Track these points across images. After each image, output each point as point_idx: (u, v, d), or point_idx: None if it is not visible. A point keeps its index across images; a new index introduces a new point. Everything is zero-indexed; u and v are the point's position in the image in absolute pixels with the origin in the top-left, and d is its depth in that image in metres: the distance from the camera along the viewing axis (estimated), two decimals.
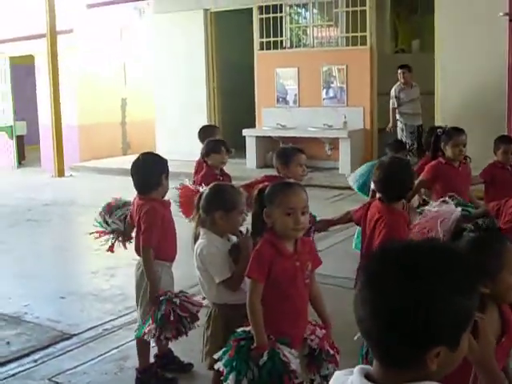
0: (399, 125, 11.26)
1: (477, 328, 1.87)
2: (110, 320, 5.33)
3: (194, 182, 5.56)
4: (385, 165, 4.15)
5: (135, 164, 4.26)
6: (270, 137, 12.82)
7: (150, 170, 4.18)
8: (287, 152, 5.05)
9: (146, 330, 3.95)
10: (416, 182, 5.55)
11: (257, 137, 12.32)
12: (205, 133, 6.76)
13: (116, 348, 4.80)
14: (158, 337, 3.95)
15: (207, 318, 3.54)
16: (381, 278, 1.44)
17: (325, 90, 12.74)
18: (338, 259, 6.41)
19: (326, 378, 3.27)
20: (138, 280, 4.14)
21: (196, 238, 3.51)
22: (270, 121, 13.21)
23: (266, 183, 3.32)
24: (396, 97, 11.19)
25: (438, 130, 5.76)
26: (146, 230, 4.01)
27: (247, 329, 3.18)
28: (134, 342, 4.37)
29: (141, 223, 4.04)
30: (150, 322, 3.93)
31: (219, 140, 6.11)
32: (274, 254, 3.12)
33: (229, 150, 5.95)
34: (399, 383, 1.44)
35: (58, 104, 13.64)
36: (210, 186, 3.57)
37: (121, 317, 5.38)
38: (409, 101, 11.18)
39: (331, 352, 3.32)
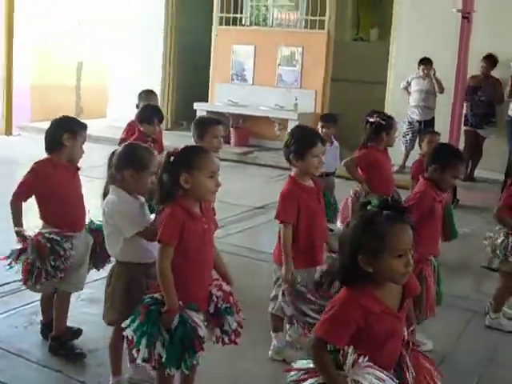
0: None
1: None
2: None
3: (120, 142, 5.43)
4: None
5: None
6: (221, 113, 12.81)
7: (52, 130, 4.12)
8: (204, 122, 5.01)
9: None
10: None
11: (207, 111, 12.31)
12: (143, 97, 6.70)
13: (30, 303, 4.79)
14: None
15: (109, 275, 3.57)
16: None
17: (279, 71, 12.78)
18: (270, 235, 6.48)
19: (227, 333, 3.38)
20: None
21: (105, 195, 3.52)
22: (223, 97, 13.21)
23: (176, 148, 3.30)
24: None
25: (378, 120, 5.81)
26: (19, 183, 4.06)
27: (155, 295, 3.20)
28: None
29: None
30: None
31: (154, 110, 5.97)
32: (186, 217, 3.16)
33: (162, 120, 5.91)
34: None
35: (10, 61, 13.37)
36: (123, 144, 3.58)
37: None
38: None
39: (234, 308, 3.39)
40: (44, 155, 4.15)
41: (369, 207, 2.55)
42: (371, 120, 5.75)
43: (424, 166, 4.37)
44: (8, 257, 4.03)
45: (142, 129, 5.74)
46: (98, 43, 15.47)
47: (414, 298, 3.96)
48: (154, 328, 3.11)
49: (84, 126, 4.18)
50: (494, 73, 10.55)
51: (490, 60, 10.41)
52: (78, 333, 4.28)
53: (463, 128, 10.26)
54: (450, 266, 6.25)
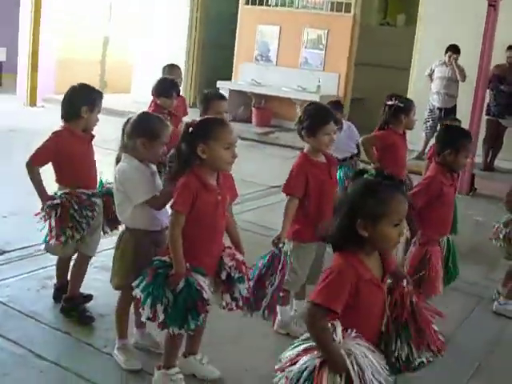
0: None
1: None
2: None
3: None
4: None
5: (65, 93, 4.26)
6: (244, 92, 12.87)
7: (70, 101, 4.17)
8: (207, 97, 4.98)
9: (49, 237, 4.05)
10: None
11: (231, 90, 12.35)
12: (167, 71, 6.72)
13: (44, 268, 4.90)
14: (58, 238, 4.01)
15: (118, 239, 3.65)
16: None
17: (303, 53, 12.77)
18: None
19: (237, 299, 3.46)
20: None
21: (118, 162, 3.59)
22: (247, 76, 13.25)
23: (194, 119, 3.37)
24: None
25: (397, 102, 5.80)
26: (37, 149, 4.12)
27: (164, 258, 3.30)
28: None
29: None
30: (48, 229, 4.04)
31: (172, 83, 5.97)
32: (200, 187, 3.24)
33: (179, 93, 5.93)
34: None
35: (37, 33, 13.53)
36: (138, 113, 3.64)
37: None
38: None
39: (245, 277, 3.47)
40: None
41: (366, 176, 2.61)
42: (390, 103, 5.74)
43: (436, 150, 4.40)
44: (39, 213, 4.11)
45: (158, 102, 5.76)
46: (125, 19, 15.53)
47: (417, 277, 4.04)
48: (160, 290, 3.21)
49: (101, 96, 4.25)
50: None
51: None
52: (88, 298, 4.38)
53: (485, 117, 10.23)
54: (461, 253, 6.24)
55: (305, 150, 4.15)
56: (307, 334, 2.59)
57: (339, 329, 2.51)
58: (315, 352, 2.52)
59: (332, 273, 2.54)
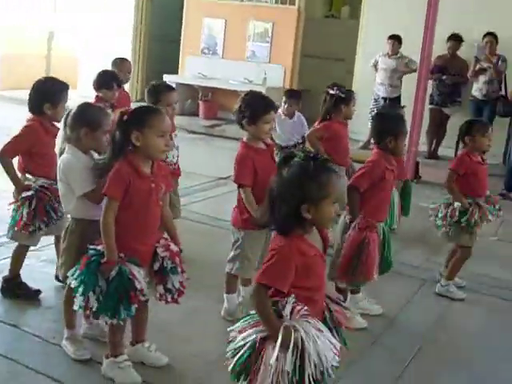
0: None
1: None
2: None
3: None
4: None
5: (31, 86, 4.36)
6: (191, 85, 12.89)
7: (33, 97, 4.31)
8: (157, 90, 5.01)
9: (18, 225, 4.15)
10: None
11: (177, 83, 12.31)
12: (118, 64, 6.66)
13: None
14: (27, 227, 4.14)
15: (64, 231, 3.67)
16: None
17: (249, 45, 12.84)
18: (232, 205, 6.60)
19: (171, 291, 3.50)
20: None
21: (61, 154, 3.61)
22: (193, 69, 13.26)
23: (128, 107, 3.42)
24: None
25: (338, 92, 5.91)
26: (9, 141, 4.25)
27: (98, 247, 3.33)
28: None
29: None
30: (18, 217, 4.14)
31: (112, 75, 5.95)
32: (133, 174, 3.29)
33: (120, 85, 5.92)
34: None
35: None
36: (78, 105, 3.66)
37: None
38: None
39: (179, 269, 3.51)
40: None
41: (296, 159, 2.67)
42: (331, 92, 5.86)
43: (375, 137, 4.51)
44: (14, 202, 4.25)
45: (100, 95, 5.74)
46: (70, 14, 15.36)
47: (351, 262, 4.17)
48: (92, 278, 3.24)
49: (65, 88, 4.38)
50: (460, 53, 10.70)
51: (456, 40, 10.56)
52: (37, 293, 4.41)
53: (428, 106, 10.44)
54: (406, 238, 6.44)
55: (244, 139, 4.21)
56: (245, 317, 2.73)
57: (289, 306, 2.61)
58: (260, 327, 2.63)
59: (276, 254, 2.63)
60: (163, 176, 3.48)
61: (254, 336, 2.63)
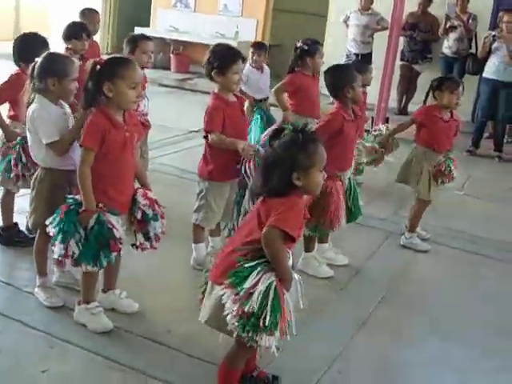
0: None
1: None
2: None
3: None
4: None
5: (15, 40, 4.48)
6: (163, 38, 12.80)
7: (18, 48, 4.42)
8: (135, 38, 5.16)
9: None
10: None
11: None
12: (86, 15, 6.62)
13: None
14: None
15: (33, 179, 3.70)
16: None
17: None
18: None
19: (150, 239, 3.60)
20: None
21: (30, 104, 3.62)
22: (165, 23, 13.15)
23: (102, 58, 3.45)
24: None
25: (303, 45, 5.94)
26: None
27: (76, 197, 3.38)
28: None
29: None
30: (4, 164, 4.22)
31: (81, 26, 5.90)
32: (108, 124, 3.33)
33: (89, 35, 5.89)
34: None
35: None
36: (43, 55, 3.65)
37: None
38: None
39: (159, 213, 3.60)
40: None
41: (286, 131, 2.84)
42: (297, 45, 5.90)
43: (332, 92, 4.56)
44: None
45: (70, 46, 5.70)
46: None
47: (317, 211, 4.27)
48: (71, 226, 3.30)
49: (45, 42, 4.42)
50: (431, 10, 10.73)
51: None
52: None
53: (399, 63, 10.51)
54: (374, 191, 6.56)
55: (216, 91, 4.26)
56: (248, 264, 2.75)
57: (290, 255, 2.89)
58: (269, 273, 2.73)
59: (287, 205, 2.77)
60: (134, 125, 3.53)
61: (271, 279, 2.72)
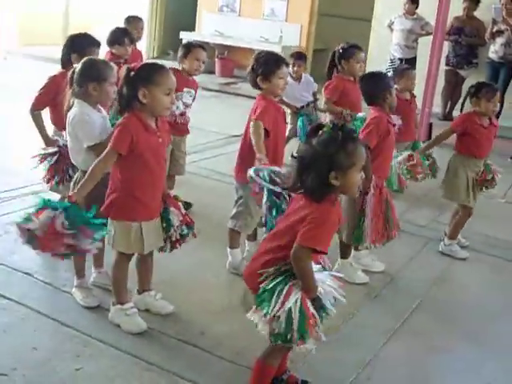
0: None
1: None
2: (6, 190, 5.56)
3: None
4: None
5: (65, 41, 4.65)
6: (206, 43, 12.85)
7: (63, 49, 4.58)
8: (189, 44, 5.31)
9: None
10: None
11: (194, 41, 12.35)
12: (131, 22, 6.77)
13: (6, 214, 5.01)
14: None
15: (73, 182, 3.78)
16: None
17: (266, 3, 12.81)
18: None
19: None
20: None
21: (70, 109, 3.71)
22: (210, 27, 13.26)
23: (136, 63, 3.52)
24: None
25: (339, 48, 5.92)
26: (36, 95, 4.59)
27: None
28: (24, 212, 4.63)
29: None
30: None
31: (124, 31, 6.05)
32: (140, 128, 3.37)
33: (132, 41, 6.00)
34: None
35: None
36: (82, 61, 3.74)
37: (18, 189, 5.60)
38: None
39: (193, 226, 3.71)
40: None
41: (325, 129, 2.79)
42: (335, 49, 5.90)
43: (368, 99, 4.56)
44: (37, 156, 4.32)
45: (113, 51, 5.82)
46: None
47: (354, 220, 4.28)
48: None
49: (95, 44, 4.61)
50: (477, 15, 10.61)
51: (473, 0, 10.47)
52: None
53: (444, 67, 10.42)
54: (415, 197, 6.52)
55: (262, 94, 4.28)
56: (270, 285, 2.76)
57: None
58: (293, 292, 2.73)
59: (320, 219, 2.71)
60: (166, 131, 3.60)
61: (298, 296, 2.73)
